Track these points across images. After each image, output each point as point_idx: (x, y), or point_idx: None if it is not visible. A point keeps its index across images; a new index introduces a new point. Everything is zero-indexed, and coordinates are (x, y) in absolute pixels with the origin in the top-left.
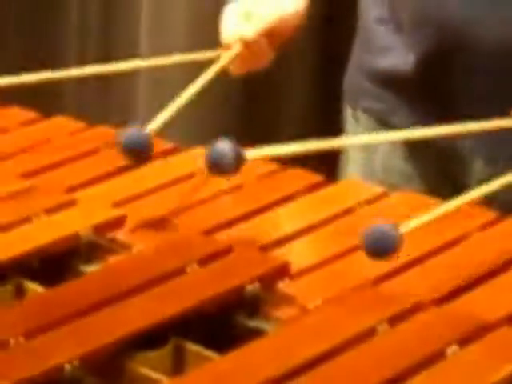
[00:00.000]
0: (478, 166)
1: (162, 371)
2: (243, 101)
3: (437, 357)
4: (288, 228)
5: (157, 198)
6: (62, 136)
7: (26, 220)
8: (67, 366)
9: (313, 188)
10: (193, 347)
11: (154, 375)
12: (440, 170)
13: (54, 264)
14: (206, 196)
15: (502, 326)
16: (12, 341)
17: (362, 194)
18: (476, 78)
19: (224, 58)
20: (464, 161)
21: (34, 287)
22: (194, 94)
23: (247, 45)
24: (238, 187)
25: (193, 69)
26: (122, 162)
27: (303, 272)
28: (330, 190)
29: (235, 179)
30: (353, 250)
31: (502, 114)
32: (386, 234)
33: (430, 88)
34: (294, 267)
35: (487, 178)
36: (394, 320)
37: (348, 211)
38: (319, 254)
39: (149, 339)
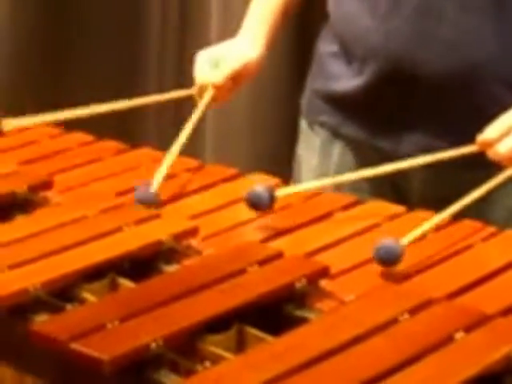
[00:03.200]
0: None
1: (227, 350)
2: None
3: (447, 341)
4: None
5: (224, 213)
6: (147, 163)
7: (119, 229)
8: (153, 345)
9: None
10: (252, 331)
11: (221, 353)
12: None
13: (142, 265)
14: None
15: (498, 317)
16: (109, 325)
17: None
18: (409, 102)
19: (203, 101)
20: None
21: (125, 282)
22: (191, 129)
23: (217, 87)
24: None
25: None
26: (197, 184)
27: (341, 273)
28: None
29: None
30: None
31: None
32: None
33: (372, 107)
34: (334, 269)
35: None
36: (413, 311)
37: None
38: (354, 259)
39: (217, 325)
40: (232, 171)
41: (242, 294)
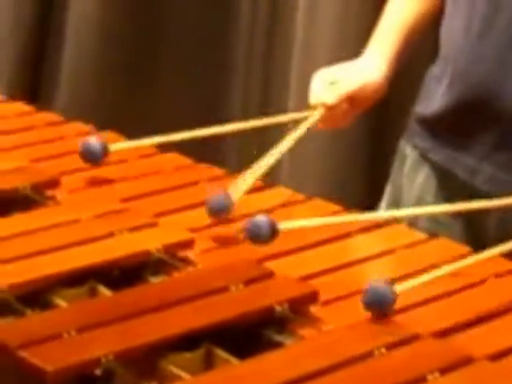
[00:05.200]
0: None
1: (193, 372)
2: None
3: (419, 380)
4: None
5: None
6: (170, 169)
7: (109, 235)
8: (103, 359)
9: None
10: (220, 353)
11: (180, 374)
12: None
13: (129, 274)
14: None
15: (481, 361)
16: (65, 334)
17: (405, 238)
18: (487, 132)
19: (309, 120)
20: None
21: (104, 291)
22: (285, 150)
23: (329, 108)
24: None
25: None
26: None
27: (334, 300)
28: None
29: None
30: None
31: None
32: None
33: (453, 132)
34: (328, 295)
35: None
36: (391, 347)
37: (387, 253)
38: (352, 287)
39: (187, 344)
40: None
41: (216, 313)
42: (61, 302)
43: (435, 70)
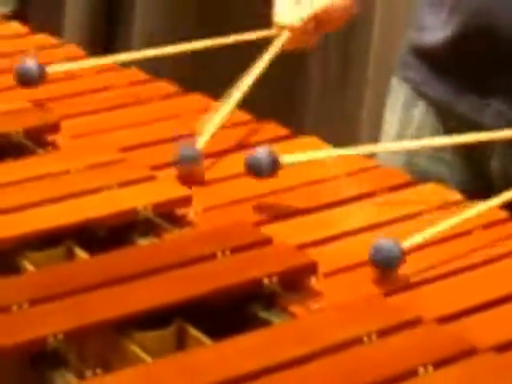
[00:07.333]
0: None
1: (159, 354)
2: None
3: (408, 374)
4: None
5: (228, 186)
6: (190, 113)
7: (97, 191)
8: (50, 338)
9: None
10: (193, 331)
11: (141, 355)
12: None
13: (117, 234)
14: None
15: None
16: (14, 307)
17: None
18: (496, 65)
19: (278, 43)
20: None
21: (80, 253)
22: (257, 74)
23: (294, 30)
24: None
25: None
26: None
27: (338, 271)
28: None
29: None
30: None
31: None
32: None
33: (456, 65)
34: (331, 267)
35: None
36: (384, 333)
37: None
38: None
39: (155, 320)
40: (285, 131)
41: (194, 285)
42: (29, 267)
43: None
